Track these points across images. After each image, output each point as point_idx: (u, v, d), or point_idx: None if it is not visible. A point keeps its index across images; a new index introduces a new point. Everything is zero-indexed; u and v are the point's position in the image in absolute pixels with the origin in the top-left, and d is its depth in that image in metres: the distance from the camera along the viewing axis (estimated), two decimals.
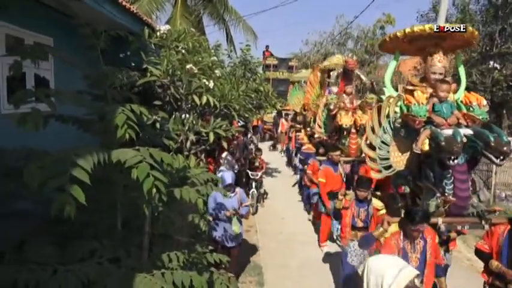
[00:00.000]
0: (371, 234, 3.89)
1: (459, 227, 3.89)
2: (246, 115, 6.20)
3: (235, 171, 7.29)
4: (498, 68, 14.20)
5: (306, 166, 7.86)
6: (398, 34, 4.11)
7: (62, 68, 4.67)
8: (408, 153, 4.04)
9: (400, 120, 4.02)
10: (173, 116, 4.80)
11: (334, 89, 8.31)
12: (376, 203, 4.73)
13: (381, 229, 3.76)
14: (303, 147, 9.38)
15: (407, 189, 4.22)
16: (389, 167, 4.06)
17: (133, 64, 5.13)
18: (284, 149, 16.53)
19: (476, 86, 13.66)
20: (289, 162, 13.78)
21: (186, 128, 4.63)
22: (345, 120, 6.43)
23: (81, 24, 2.26)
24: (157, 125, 3.80)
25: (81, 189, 1.40)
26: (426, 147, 3.64)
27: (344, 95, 7.09)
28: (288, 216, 8.05)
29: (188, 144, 4.93)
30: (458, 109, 3.98)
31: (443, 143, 3.36)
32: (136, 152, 1.74)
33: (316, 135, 8.41)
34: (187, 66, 4.61)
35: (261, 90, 7.16)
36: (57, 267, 1.86)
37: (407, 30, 4.03)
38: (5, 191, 2.14)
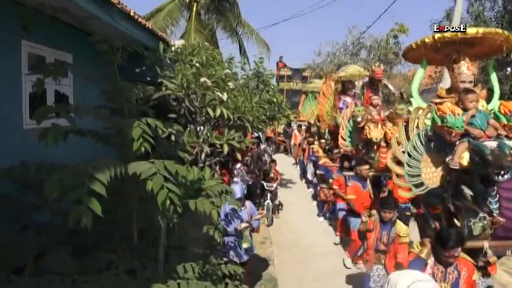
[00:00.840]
0: (421, 258, 3.40)
1: (508, 252, 3.59)
2: (260, 126, 6.23)
3: (249, 182, 7.28)
4: None
5: (329, 181, 7.64)
6: (426, 40, 3.83)
7: (80, 83, 4.82)
8: (441, 168, 3.66)
9: (431, 133, 3.70)
10: (188, 128, 4.86)
11: (349, 99, 8.15)
12: (400, 228, 4.27)
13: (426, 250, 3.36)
14: (321, 161, 8.85)
15: (442, 209, 3.83)
16: (421, 184, 3.66)
17: (148, 79, 5.25)
18: (297, 161, 15.91)
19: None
20: (304, 175, 13.17)
21: (201, 140, 4.68)
22: (374, 133, 5.98)
23: (99, 40, 2.34)
24: (173, 138, 3.88)
25: (98, 201, 1.44)
26: (465, 162, 3.30)
27: (370, 106, 6.75)
28: (303, 228, 7.99)
29: (203, 156, 4.98)
30: (497, 119, 3.62)
31: (489, 157, 3.05)
32: (151, 164, 1.78)
33: (332, 149, 8.13)
34: (202, 80, 4.69)
35: (274, 102, 7.20)
36: (76, 278, 1.90)
37: (438, 36, 3.74)
38: (26, 203, 2.21)
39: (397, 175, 3.88)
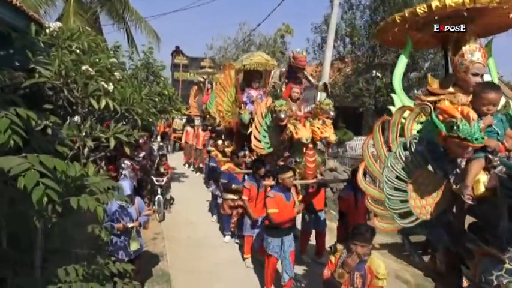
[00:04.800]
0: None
1: None
2: (150, 119, 6.03)
3: (137, 177, 6.96)
4: (379, 76, 16.26)
5: (234, 189, 6.60)
6: (418, 11, 2.95)
7: None
8: (441, 194, 2.69)
9: (423, 144, 2.78)
10: (68, 121, 4.44)
11: (254, 92, 7.11)
12: (376, 266, 3.13)
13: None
14: (224, 167, 7.11)
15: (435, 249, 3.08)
16: (409, 214, 2.77)
17: (17, 64, 4.61)
18: (200, 166, 13.00)
19: (363, 92, 15.43)
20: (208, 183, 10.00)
21: (83, 133, 4.32)
22: (302, 132, 4.99)
23: None
24: (49, 131, 3.49)
25: None
26: (482, 188, 2.50)
27: (289, 100, 5.75)
28: (197, 220, 8.02)
29: (86, 150, 4.61)
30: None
31: None
32: (23, 159, 1.60)
33: (237, 152, 6.91)
34: (83, 68, 4.36)
35: (165, 94, 7.03)
36: None
37: (435, 4, 2.86)
38: None
39: (372, 198, 2.99)
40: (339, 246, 3.57)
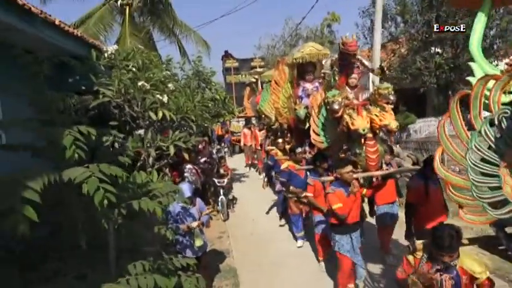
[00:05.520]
0: None
1: None
2: (205, 124, 6.31)
3: (196, 184, 7.24)
4: (439, 52, 15.21)
5: (293, 189, 6.32)
6: None
7: (7, 98, 4.59)
8: None
9: None
10: (132, 134, 4.84)
11: (309, 85, 6.73)
12: (469, 265, 2.79)
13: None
14: (283, 166, 6.88)
15: None
16: (504, 202, 2.35)
17: (83, 88, 5.13)
18: (261, 167, 12.63)
19: (421, 71, 14.54)
20: (270, 183, 10.07)
21: (146, 144, 4.68)
22: (359, 122, 4.58)
23: (20, 53, 2.31)
24: (116, 145, 3.87)
25: (35, 210, 1.47)
26: None
27: (347, 88, 5.24)
28: (258, 217, 8.21)
29: (151, 160, 4.98)
30: None
31: None
32: (85, 169, 1.83)
33: (295, 149, 6.67)
34: (139, 84, 4.69)
35: (217, 99, 7.30)
36: None
37: None
38: None
39: (454, 187, 2.59)
40: (419, 245, 3.02)
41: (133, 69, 5.19)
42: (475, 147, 2.42)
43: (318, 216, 5.55)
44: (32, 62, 2.39)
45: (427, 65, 14.56)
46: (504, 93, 2.45)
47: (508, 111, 2.30)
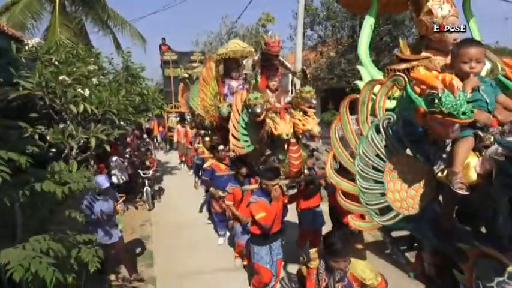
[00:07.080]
0: None
1: None
2: (131, 118, 6.57)
3: (127, 172, 7.54)
4: None
5: (213, 190, 6.15)
6: None
7: None
8: (423, 184, 2.29)
9: (398, 124, 2.31)
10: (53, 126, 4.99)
11: (234, 83, 6.51)
12: (360, 271, 2.79)
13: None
14: (207, 164, 6.73)
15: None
16: (387, 209, 2.36)
17: (1, 80, 5.16)
18: (191, 164, 12.16)
19: (345, 72, 15.83)
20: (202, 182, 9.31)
21: (66, 136, 4.84)
22: (282, 127, 4.43)
23: None
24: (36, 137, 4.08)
25: None
26: (474, 176, 2.00)
27: (268, 91, 5.03)
28: (182, 207, 8.59)
29: (73, 152, 5.16)
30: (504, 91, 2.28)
31: None
32: None
33: (217, 146, 6.49)
34: (60, 78, 4.85)
35: (145, 94, 7.57)
36: None
37: None
38: None
39: (344, 193, 2.50)
40: (313, 254, 2.88)
41: (56, 62, 5.35)
42: (363, 153, 2.37)
43: (238, 226, 5.31)
44: None
45: (351, 67, 15.89)
46: (389, 98, 2.42)
47: (391, 117, 2.31)
